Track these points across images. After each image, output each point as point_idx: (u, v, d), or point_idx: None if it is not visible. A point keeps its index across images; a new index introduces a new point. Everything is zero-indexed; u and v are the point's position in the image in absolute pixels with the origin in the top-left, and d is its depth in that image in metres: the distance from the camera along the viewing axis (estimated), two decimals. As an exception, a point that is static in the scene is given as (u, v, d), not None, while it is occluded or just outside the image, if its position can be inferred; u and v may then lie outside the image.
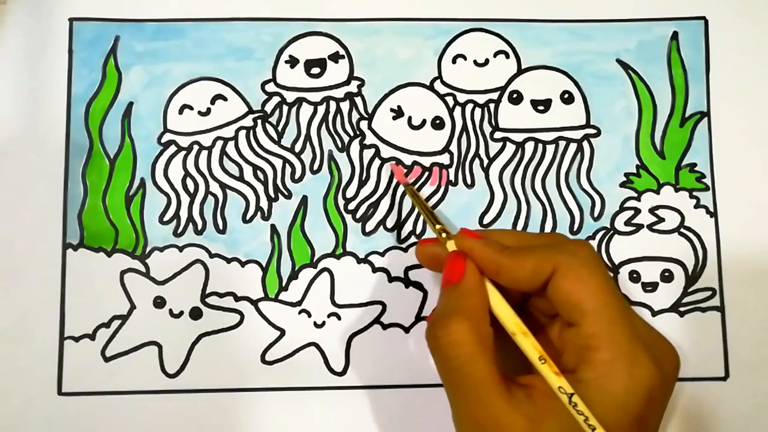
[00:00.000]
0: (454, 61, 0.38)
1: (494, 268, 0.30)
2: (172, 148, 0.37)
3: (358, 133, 0.38)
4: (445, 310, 0.30)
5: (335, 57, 0.38)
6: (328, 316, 0.37)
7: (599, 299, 0.29)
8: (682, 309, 0.37)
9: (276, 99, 0.38)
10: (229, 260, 0.37)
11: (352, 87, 0.38)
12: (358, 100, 0.38)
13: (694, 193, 0.38)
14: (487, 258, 0.30)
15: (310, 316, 0.37)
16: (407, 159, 0.38)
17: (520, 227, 0.37)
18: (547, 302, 0.30)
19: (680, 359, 0.31)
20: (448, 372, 0.29)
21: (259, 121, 0.38)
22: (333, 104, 0.38)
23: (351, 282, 0.37)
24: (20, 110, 0.37)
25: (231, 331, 0.36)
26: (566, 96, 0.38)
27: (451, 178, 0.38)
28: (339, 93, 0.38)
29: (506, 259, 0.30)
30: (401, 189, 0.37)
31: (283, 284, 0.37)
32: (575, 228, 0.37)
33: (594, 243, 0.37)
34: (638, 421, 0.28)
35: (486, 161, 0.38)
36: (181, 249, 0.37)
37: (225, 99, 0.38)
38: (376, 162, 0.38)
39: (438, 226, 0.33)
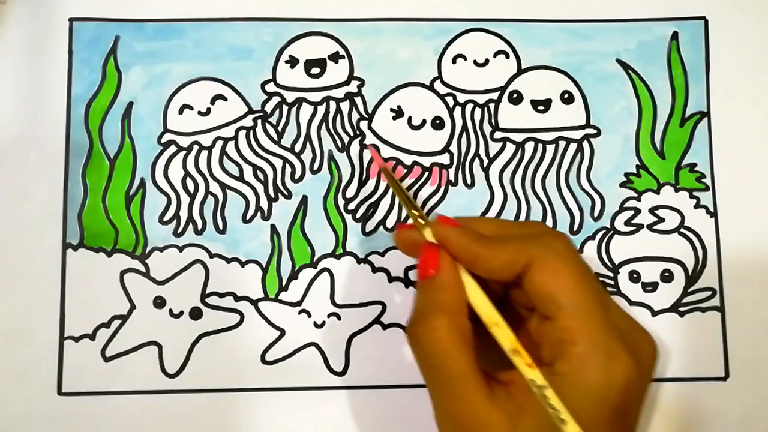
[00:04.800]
0: (454, 61, 0.38)
1: (469, 257, 0.30)
2: (172, 148, 0.37)
3: (358, 133, 0.38)
4: (423, 307, 0.30)
5: (335, 57, 0.38)
6: (328, 316, 0.37)
7: (574, 292, 0.28)
8: (682, 309, 0.37)
9: (276, 99, 0.38)
10: (229, 260, 0.37)
11: (352, 87, 0.38)
12: (358, 100, 0.38)
13: (694, 193, 0.38)
14: (462, 247, 0.30)
15: (310, 316, 0.37)
16: (407, 159, 0.38)
17: (520, 227, 0.37)
18: (526, 295, 0.30)
19: (658, 350, 0.31)
20: (428, 369, 0.29)
21: (259, 121, 0.38)
22: (333, 104, 0.38)
23: (351, 282, 0.37)
24: (20, 110, 0.37)
25: (231, 331, 0.36)
26: (566, 96, 0.38)
27: (451, 178, 0.38)
28: (339, 93, 0.38)
29: (481, 249, 0.30)
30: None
31: (283, 284, 0.37)
32: (575, 228, 0.37)
33: (594, 243, 0.37)
34: (616, 414, 0.28)
35: (486, 161, 0.38)
36: (181, 249, 0.37)
37: (225, 99, 0.38)
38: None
39: (415, 212, 0.32)
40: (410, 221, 0.32)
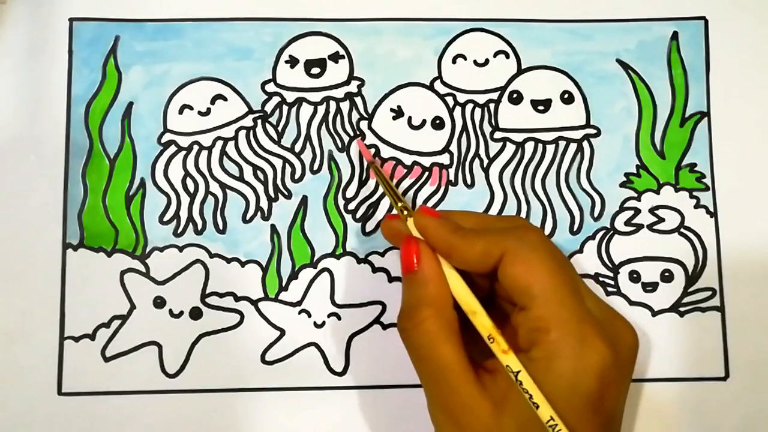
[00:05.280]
0: (454, 61, 0.38)
1: (445, 248, 0.31)
2: (172, 148, 0.37)
3: (358, 133, 0.38)
4: (409, 301, 0.31)
5: (335, 57, 0.38)
6: (328, 316, 0.37)
7: (547, 282, 0.29)
8: (682, 309, 0.37)
9: (276, 99, 0.38)
10: (229, 260, 0.37)
11: (352, 87, 0.38)
12: (358, 100, 0.38)
13: (694, 193, 0.38)
14: (439, 237, 0.31)
15: (310, 316, 0.37)
16: (407, 159, 0.38)
17: (520, 227, 0.37)
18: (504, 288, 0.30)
19: (638, 339, 0.31)
20: (417, 360, 0.30)
21: (259, 121, 0.38)
22: (333, 104, 0.38)
23: (351, 282, 0.37)
24: (20, 110, 0.37)
25: (231, 331, 0.36)
26: (566, 96, 0.38)
27: (451, 178, 0.38)
28: (339, 93, 0.38)
29: (457, 240, 0.30)
30: (401, 189, 0.37)
31: (283, 284, 0.37)
32: (575, 228, 0.37)
33: (594, 243, 0.37)
34: (591, 401, 0.28)
35: (486, 161, 0.38)
36: (181, 249, 0.37)
37: (225, 99, 0.38)
38: (377, 162, 0.38)
39: (400, 204, 0.33)
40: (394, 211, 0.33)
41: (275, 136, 0.38)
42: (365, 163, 0.37)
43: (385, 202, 0.37)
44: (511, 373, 0.28)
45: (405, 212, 0.32)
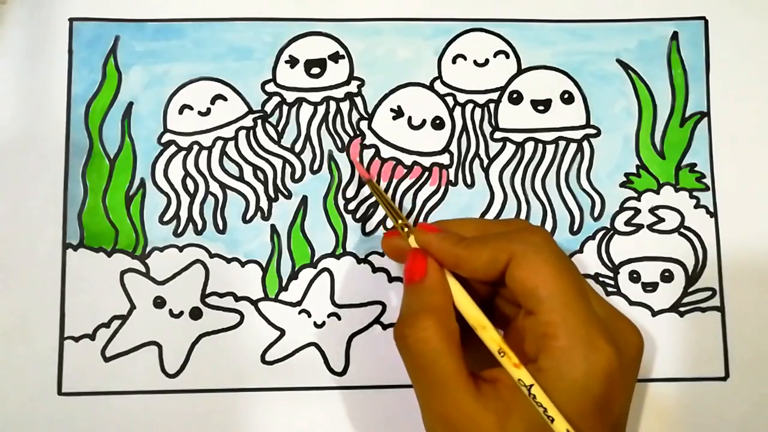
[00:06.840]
0: (454, 61, 0.38)
1: (452, 260, 0.30)
2: (172, 148, 0.37)
3: (358, 133, 0.38)
4: (411, 309, 0.30)
5: (335, 57, 0.38)
6: (328, 316, 0.37)
7: (554, 286, 0.29)
8: (682, 309, 0.37)
9: (276, 99, 0.38)
10: (229, 260, 0.37)
11: (352, 87, 0.38)
12: (358, 100, 0.38)
13: (694, 193, 0.38)
14: (445, 251, 0.31)
15: (310, 316, 0.37)
16: (407, 159, 0.38)
17: (520, 227, 0.37)
18: (511, 292, 0.30)
19: (643, 340, 0.31)
20: (416, 370, 0.30)
21: (259, 121, 0.38)
22: (333, 104, 0.38)
23: (351, 282, 0.37)
24: (20, 110, 0.37)
25: (231, 331, 0.36)
26: (566, 96, 0.38)
27: (451, 178, 0.38)
28: (339, 93, 0.38)
29: (463, 251, 0.30)
30: (401, 189, 0.37)
31: (283, 284, 0.37)
32: (575, 228, 0.37)
33: (594, 243, 0.37)
34: (600, 405, 0.28)
35: (486, 161, 0.38)
36: (181, 249, 0.37)
37: (225, 99, 0.38)
38: (377, 162, 0.38)
39: (399, 221, 0.33)
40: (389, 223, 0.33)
41: (275, 136, 0.38)
42: (365, 164, 0.37)
43: (385, 202, 0.37)
44: (523, 387, 0.28)
45: (406, 230, 0.32)
